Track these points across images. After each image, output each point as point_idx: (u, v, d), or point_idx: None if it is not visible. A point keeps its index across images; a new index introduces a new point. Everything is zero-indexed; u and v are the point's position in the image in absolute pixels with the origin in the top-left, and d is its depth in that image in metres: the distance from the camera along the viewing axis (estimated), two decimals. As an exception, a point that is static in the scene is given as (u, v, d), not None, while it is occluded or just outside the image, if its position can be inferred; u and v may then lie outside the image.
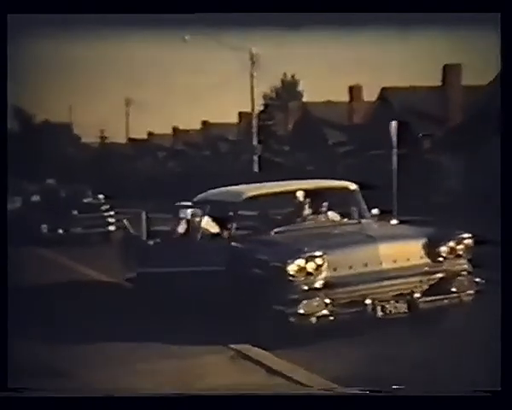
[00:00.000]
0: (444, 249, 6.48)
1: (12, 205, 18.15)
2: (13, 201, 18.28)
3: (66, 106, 56.95)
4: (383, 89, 26.74)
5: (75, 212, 16.60)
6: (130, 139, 48.86)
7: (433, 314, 6.44)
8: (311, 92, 63.93)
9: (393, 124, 16.16)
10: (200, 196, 7.90)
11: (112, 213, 17.03)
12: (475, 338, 5.92)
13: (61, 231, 16.13)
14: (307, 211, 7.36)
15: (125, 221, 9.00)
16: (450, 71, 22.66)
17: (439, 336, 6.23)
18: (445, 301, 6.37)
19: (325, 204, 7.39)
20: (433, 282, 6.40)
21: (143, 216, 8.23)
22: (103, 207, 17.33)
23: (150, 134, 48.61)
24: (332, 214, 7.43)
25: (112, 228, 16.53)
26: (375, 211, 7.39)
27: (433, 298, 6.32)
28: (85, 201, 17.65)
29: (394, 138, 15.92)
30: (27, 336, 6.90)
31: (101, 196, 18.17)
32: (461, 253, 6.50)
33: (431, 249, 6.47)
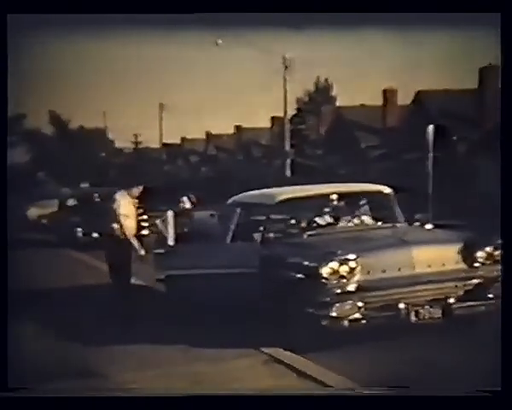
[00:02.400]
0: (480, 255, 6.37)
1: (49, 209, 18.50)
2: (50, 204, 18.61)
3: (101, 111, 57.75)
4: (418, 92, 26.45)
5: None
6: (164, 144, 49.28)
7: (467, 320, 6.33)
8: (345, 96, 63.62)
9: (430, 127, 15.98)
10: (233, 199, 7.90)
11: (145, 217, 17.17)
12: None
13: (95, 234, 16.34)
14: (341, 214, 7.31)
15: (157, 222, 9.04)
16: (486, 73, 22.32)
17: (473, 341, 6.11)
18: (482, 307, 6.25)
19: (364, 208, 7.34)
20: (468, 288, 6.29)
21: (170, 217, 8.20)
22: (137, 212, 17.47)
23: (183, 139, 48.96)
24: (367, 219, 7.36)
25: (145, 232, 16.66)
26: (418, 216, 7.29)
27: (469, 304, 6.21)
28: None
29: (430, 142, 15.74)
30: (57, 337, 6.99)
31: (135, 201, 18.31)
32: (498, 258, 6.37)
33: (467, 254, 6.36)
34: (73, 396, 3.96)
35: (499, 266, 6.35)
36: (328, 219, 7.34)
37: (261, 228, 6.98)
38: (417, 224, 7.34)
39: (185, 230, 8.49)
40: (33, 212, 20.36)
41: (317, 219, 7.36)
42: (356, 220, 7.28)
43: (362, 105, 31.47)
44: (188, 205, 10.24)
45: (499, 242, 6.36)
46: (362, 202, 7.33)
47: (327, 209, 7.40)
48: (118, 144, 50.43)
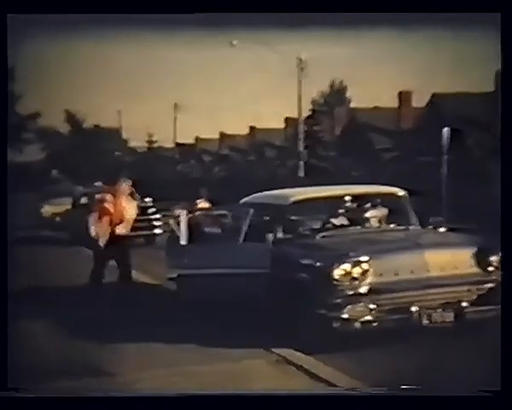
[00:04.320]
0: (495, 259, 6.32)
1: (63, 206, 18.59)
2: (63, 202, 18.70)
3: (116, 110, 58.05)
4: (433, 94, 26.31)
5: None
6: (178, 144, 49.39)
7: (480, 324, 6.28)
8: (360, 98, 63.49)
9: (445, 130, 15.89)
10: (246, 199, 7.90)
11: (158, 216, 17.24)
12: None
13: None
14: (354, 215, 7.29)
15: (170, 222, 9.05)
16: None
17: (485, 345, 6.06)
18: (495, 312, 6.20)
19: (384, 212, 7.32)
20: (482, 292, 6.24)
21: (183, 215, 8.20)
22: (150, 211, 17.54)
23: (197, 139, 49.06)
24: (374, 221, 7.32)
25: (158, 231, 16.73)
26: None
27: (482, 308, 6.16)
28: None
29: (445, 145, 15.66)
30: (67, 335, 7.02)
31: (148, 200, 18.40)
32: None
33: (481, 258, 6.32)
34: (73, 396, 3.97)
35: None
36: (342, 220, 7.32)
37: (274, 229, 6.97)
38: (431, 227, 7.29)
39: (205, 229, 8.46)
40: (47, 209, 20.48)
41: (331, 220, 7.34)
42: (369, 223, 7.25)
43: (376, 107, 31.37)
44: (203, 204, 10.24)
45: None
46: (370, 205, 7.31)
47: (340, 211, 7.38)
48: (132, 144, 50.66)
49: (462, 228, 8.40)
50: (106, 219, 8.45)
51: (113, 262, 8.68)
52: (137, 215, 17.36)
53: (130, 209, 8.63)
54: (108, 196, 8.58)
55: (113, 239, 8.48)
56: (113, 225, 8.48)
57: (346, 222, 7.29)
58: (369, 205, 7.34)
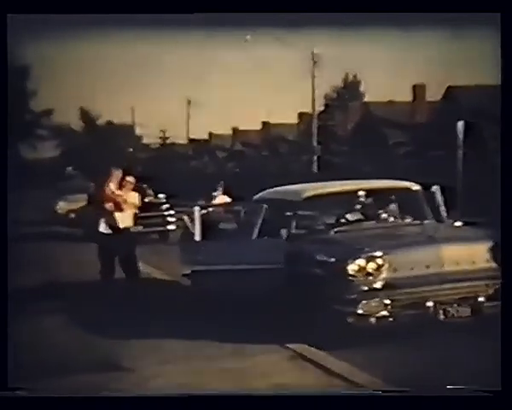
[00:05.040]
0: None
1: (78, 203, 18.68)
2: (78, 199, 18.79)
3: (129, 107, 58.24)
4: (448, 87, 26.09)
5: (137, 211, 16.89)
6: (191, 140, 49.48)
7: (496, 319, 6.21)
8: (374, 92, 63.11)
9: (460, 124, 15.77)
10: (259, 195, 7.88)
11: (172, 212, 17.27)
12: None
13: (136, 228, 16.40)
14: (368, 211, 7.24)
15: (185, 218, 9.06)
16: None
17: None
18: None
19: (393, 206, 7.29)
20: (499, 286, 6.17)
21: (197, 212, 8.20)
22: (164, 207, 17.58)
23: (210, 135, 49.11)
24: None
25: (171, 227, 16.76)
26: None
27: (499, 303, 6.09)
28: (146, 200, 17.95)
29: (460, 139, 15.54)
30: (81, 330, 7.05)
31: (161, 196, 18.44)
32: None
33: (497, 253, 6.24)
34: (73, 396, 3.98)
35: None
36: (356, 215, 7.28)
37: (287, 224, 6.94)
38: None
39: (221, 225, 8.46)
40: (62, 206, 20.59)
41: (345, 215, 7.30)
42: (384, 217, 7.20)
43: (390, 101, 31.20)
44: (220, 196, 10.21)
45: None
46: (391, 203, 7.28)
47: (355, 206, 7.34)
48: (145, 140, 50.82)
49: (477, 222, 8.34)
50: (108, 205, 8.61)
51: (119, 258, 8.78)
52: (151, 211, 17.47)
53: (131, 200, 8.79)
54: (110, 187, 8.74)
55: (119, 233, 8.58)
56: (115, 212, 8.60)
57: (360, 217, 7.25)
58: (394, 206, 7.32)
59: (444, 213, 7.33)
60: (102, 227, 8.64)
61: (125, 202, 8.70)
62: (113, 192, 8.67)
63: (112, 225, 8.61)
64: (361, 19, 4.98)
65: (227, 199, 10.22)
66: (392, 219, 7.26)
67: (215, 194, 10.32)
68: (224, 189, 10.55)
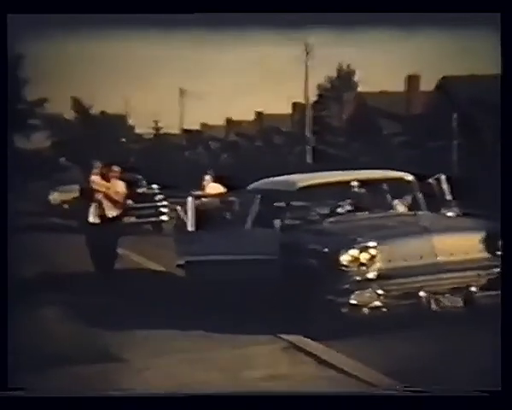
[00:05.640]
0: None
1: (71, 194, 18.63)
2: (72, 190, 18.75)
3: (122, 97, 58.06)
4: (443, 78, 26.09)
5: (129, 202, 16.87)
6: (184, 130, 49.34)
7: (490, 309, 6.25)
8: (367, 82, 63.12)
9: (455, 115, 15.81)
10: (253, 185, 7.87)
11: (165, 202, 17.25)
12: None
13: (124, 219, 16.42)
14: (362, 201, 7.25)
15: (178, 208, 9.05)
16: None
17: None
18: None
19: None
20: (492, 276, 6.20)
21: (191, 202, 8.20)
22: (157, 198, 17.56)
23: (204, 125, 48.98)
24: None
25: (165, 218, 16.74)
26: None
27: (491, 293, 6.13)
28: (139, 191, 17.91)
29: (455, 129, 15.59)
30: (80, 323, 7.05)
31: (154, 186, 18.41)
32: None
33: (490, 243, 6.27)
34: (73, 396, 3.99)
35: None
36: (349, 205, 7.29)
37: (281, 214, 6.95)
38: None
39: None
40: (56, 197, 20.53)
41: (339, 205, 7.31)
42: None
43: (384, 91, 31.18)
44: (210, 184, 10.15)
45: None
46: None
47: (348, 196, 7.35)
48: (138, 130, 50.65)
49: (470, 213, 8.37)
50: (96, 195, 8.80)
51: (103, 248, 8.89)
52: (144, 202, 17.43)
53: (118, 189, 9.00)
54: (95, 178, 8.93)
55: (106, 222, 8.75)
56: (103, 204, 8.78)
57: (353, 207, 7.26)
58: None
59: (450, 202, 7.36)
60: (91, 217, 8.80)
61: (110, 191, 8.81)
62: (96, 183, 8.84)
63: (100, 215, 8.77)
64: (361, 20, 4.98)
65: (219, 188, 10.16)
66: (404, 209, 7.26)
67: (204, 182, 10.24)
68: (213, 177, 10.48)
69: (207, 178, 10.25)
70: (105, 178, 9.00)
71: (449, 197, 7.38)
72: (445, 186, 7.43)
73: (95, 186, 8.90)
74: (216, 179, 10.50)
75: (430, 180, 7.71)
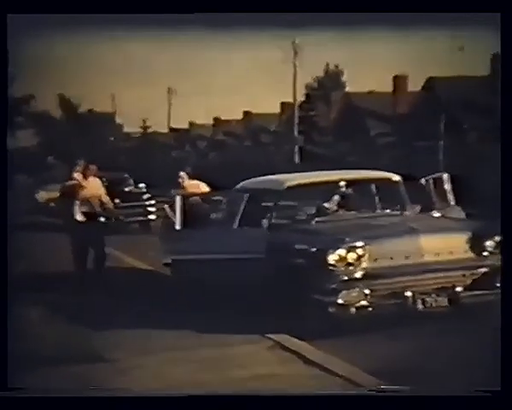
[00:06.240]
0: (489, 244, 6.32)
1: (57, 193, 18.55)
2: (57, 188, 18.66)
3: (110, 95, 57.74)
4: (429, 78, 26.22)
5: (117, 200, 16.83)
6: (172, 129, 49.22)
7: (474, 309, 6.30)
8: (355, 82, 63.21)
9: (442, 116, 15.91)
10: (241, 185, 7.87)
11: (153, 202, 17.22)
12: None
13: (102, 219, 16.37)
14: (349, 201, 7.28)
15: (165, 207, 9.04)
16: (499, 60, 22.00)
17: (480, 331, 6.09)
18: (489, 296, 6.22)
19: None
20: (476, 276, 6.26)
21: (178, 201, 8.19)
22: (144, 196, 17.52)
23: (192, 124, 48.89)
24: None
25: (152, 217, 16.71)
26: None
27: (476, 293, 6.18)
28: (127, 190, 17.86)
29: (441, 130, 15.68)
30: (66, 322, 7.02)
31: (142, 185, 18.37)
32: (507, 247, 6.32)
33: (476, 243, 6.32)
34: (73, 396, 3.99)
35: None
36: (337, 205, 7.31)
37: (269, 214, 6.95)
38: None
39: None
40: (42, 195, 20.43)
41: (326, 205, 7.33)
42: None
43: (371, 92, 31.29)
44: (187, 181, 10.04)
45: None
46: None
47: (336, 196, 7.37)
48: (126, 129, 50.45)
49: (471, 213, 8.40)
50: (78, 194, 8.96)
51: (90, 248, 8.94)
52: (132, 201, 17.38)
53: (95, 185, 9.16)
54: (76, 175, 9.10)
55: (89, 219, 8.86)
56: (83, 199, 8.94)
57: (341, 207, 7.29)
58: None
59: (452, 202, 7.40)
60: (77, 216, 8.88)
61: (86, 189, 8.93)
62: (75, 180, 9.00)
63: (85, 212, 8.85)
64: (360, 20, 4.99)
65: (198, 184, 10.07)
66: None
67: (180, 179, 10.11)
68: (189, 174, 10.37)
69: (182, 174, 10.15)
70: (85, 176, 9.12)
71: (451, 197, 7.39)
72: (446, 186, 7.44)
73: (76, 184, 8.99)
74: (194, 177, 10.40)
75: (422, 181, 7.72)
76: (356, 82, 64.89)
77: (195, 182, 10.13)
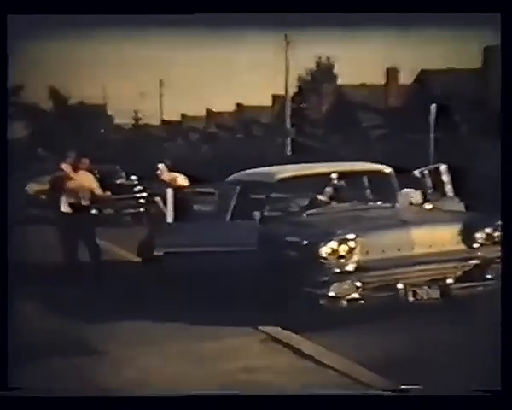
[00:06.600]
0: (480, 236, 6.35)
1: (47, 185, 18.48)
2: (48, 180, 18.60)
3: (101, 87, 57.44)
4: (421, 71, 26.25)
5: (108, 193, 16.76)
6: (164, 121, 49.07)
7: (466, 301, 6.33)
8: (347, 75, 63.24)
9: (432, 107, 15.93)
10: (232, 177, 7.86)
11: (144, 194, 17.17)
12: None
13: (94, 211, 16.32)
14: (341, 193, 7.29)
15: (157, 199, 9.01)
16: (490, 52, 22.05)
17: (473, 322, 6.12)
18: (480, 288, 6.25)
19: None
20: (467, 268, 6.28)
21: (170, 194, 8.16)
22: (136, 189, 17.47)
23: (184, 116, 48.76)
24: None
25: (144, 209, 16.66)
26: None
27: (467, 284, 6.21)
28: (118, 182, 17.80)
29: (432, 122, 15.71)
30: (58, 314, 7.00)
31: (133, 178, 18.31)
32: (498, 240, 6.35)
33: (467, 235, 6.35)
34: (73, 396, 3.98)
35: (498, 247, 6.34)
36: (328, 197, 7.32)
37: (260, 206, 6.95)
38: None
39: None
40: (32, 187, 20.33)
41: (318, 197, 7.33)
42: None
43: (363, 84, 31.29)
44: (166, 173, 9.96)
45: (499, 223, 6.35)
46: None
47: (328, 188, 7.38)
48: (117, 121, 50.25)
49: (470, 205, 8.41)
50: (65, 185, 8.88)
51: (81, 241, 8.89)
52: (123, 194, 17.34)
53: (86, 178, 9.06)
54: (64, 166, 9.00)
55: (77, 212, 8.79)
56: (70, 191, 8.85)
57: (332, 199, 7.29)
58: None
59: (450, 193, 7.42)
60: (64, 207, 8.84)
61: (74, 181, 8.86)
62: (65, 172, 8.91)
63: (71, 204, 8.82)
64: (357, 20, 4.98)
65: (179, 178, 10.00)
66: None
67: (158, 172, 10.02)
68: (168, 166, 10.27)
69: (161, 166, 10.08)
70: (75, 168, 9.04)
71: (449, 189, 7.40)
72: (444, 177, 7.45)
73: (65, 176, 8.92)
74: (172, 169, 10.32)
75: (416, 172, 7.73)
76: (348, 74, 64.85)
77: (174, 174, 10.07)
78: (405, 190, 7.43)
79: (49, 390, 4.30)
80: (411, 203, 7.32)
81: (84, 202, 9.01)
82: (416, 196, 7.36)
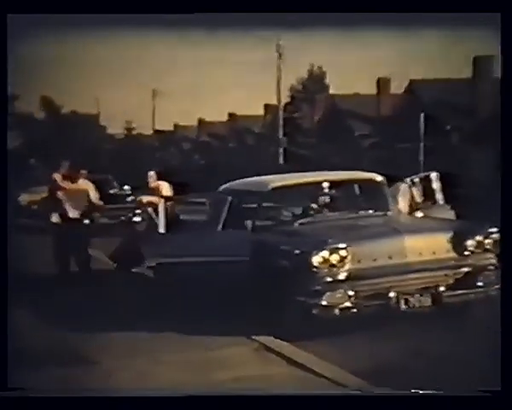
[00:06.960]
0: (471, 243, 6.38)
1: (40, 195, 18.43)
2: (41, 190, 18.53)
3: (94, 97, 57.44)
4: (411, 81, 26.43)
5: (101, 202, 16.73)
6: (156, 131, 49.08)
7: (458, 308, 6.35)
8: (339, 84, 63.48)
9: (422, 116, 16.04)
10: (224, 186, 7.87)
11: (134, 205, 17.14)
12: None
13: (87, 221, 16.27)
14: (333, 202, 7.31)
15: (149, 209, 9.01)
16: (480, 63, 22.22)
17: (465, 329, 6.14)
18: (471, 295, 6.27)
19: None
20: (458, 276, 6.31)
21: (162, 204, 8.18)
22: (129, 199, 17.44)
23: (176, 126, 48.79)
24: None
25: (137, 219, 16.62)
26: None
27: (459, 292, 6.23)
28: (111, 192, 17.77)
29: (422, 131, 15.81)
30: (53, 326, 6.97)
31: (126, 188, 18.28)
32: (488, 247, 6.39)
33: (458, 243, 6.37)
34: (73, 396, 3.97)
35: (490, 255, 6.38)
36: (320, 206, 7.34)
37: (253, 216, 6.96)
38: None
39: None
40: (25, 198, 20.26)
41: (310, 206, 7.35)
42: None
43: (355, 93, 31.43)
44: (154, 181, 9.98)
45: (489, 230, 6.39)
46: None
47: (320, 198, 7.40)
48: (110, 131, 50.21)
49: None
50: (59, 195, 8.89)
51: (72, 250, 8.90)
52: (116, 204, 17.31)
53: (80, 189, 9.09)
54: (55, 176, 9.03)
55: (69, 223, 8.82)
56: (65, 204, 8.85)
57: (324, 208, 7.31)
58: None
59: (441, 201, 7.45)
60: (54, 218, 8.82)
61: (73, 191, 8.87)
62: (58, 182, 8.92)
63: (62, 215, 8.80)
64: (360, 21, 5.01)
65: (162, 186, 10.03)
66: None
67: (150, 179, 10.05)
68: (157, 174, 10.32)
69: (152, 174, 10.12)
70: (70, 178, 9.01)
71: (440, 196, 7.44)
72: (435, 185, 7.49)
73: (59, 185, 8.92)
74: (161, 177, 10.35)
75: (407, 180, 7.77)
76: (339, 84, 65.10)
77: (158, 182, 10.12)
78: (403, 185, 7.45)
79: (49, 390, 4.29)
80: (413, 199, 7.38)
81: (76, 213, 8.98)
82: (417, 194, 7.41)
